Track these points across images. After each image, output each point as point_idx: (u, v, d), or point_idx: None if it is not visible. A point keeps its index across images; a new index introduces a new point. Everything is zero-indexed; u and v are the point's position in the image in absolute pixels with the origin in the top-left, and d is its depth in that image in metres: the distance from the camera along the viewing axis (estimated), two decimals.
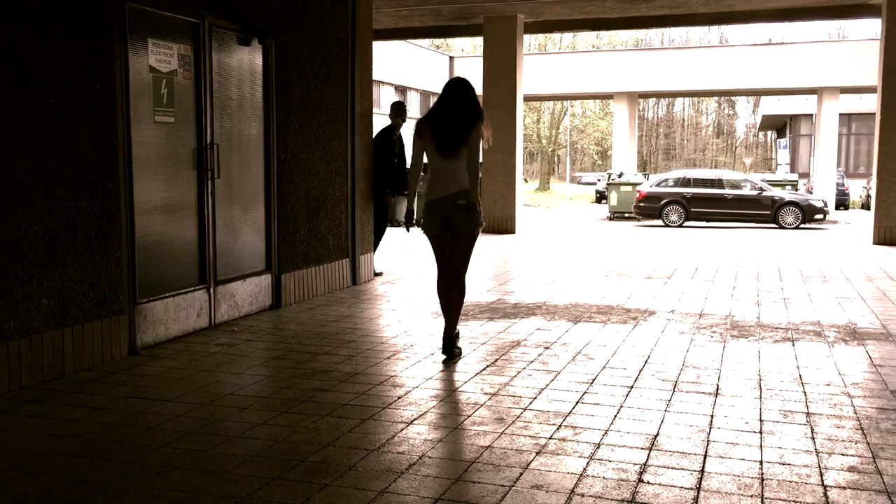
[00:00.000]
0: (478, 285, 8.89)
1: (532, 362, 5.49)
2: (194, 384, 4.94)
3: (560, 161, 66.37)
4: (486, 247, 13.40)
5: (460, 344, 5.90)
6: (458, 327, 5.98)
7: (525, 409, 4.44)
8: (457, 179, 5.56)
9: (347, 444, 3.86)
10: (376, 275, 9.52)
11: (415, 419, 4.26)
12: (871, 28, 62.65)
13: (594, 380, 5.03)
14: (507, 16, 15.68)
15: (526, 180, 57.34)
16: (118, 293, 5.54)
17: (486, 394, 4.74)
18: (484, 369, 5.31)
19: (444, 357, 5.63)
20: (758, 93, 42.80)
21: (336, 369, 5.29)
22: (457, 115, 5.62)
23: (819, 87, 30.44)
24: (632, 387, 4.87)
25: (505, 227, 15.63)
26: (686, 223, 21.45)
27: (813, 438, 3.95)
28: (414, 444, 3.88)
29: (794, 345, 6.03)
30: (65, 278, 5.11)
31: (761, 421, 4.22)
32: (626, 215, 24.55)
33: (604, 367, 5.34)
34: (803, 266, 10.78)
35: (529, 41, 50.21)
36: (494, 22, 15.85)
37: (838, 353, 5.78)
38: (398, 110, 9.86)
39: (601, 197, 38.10)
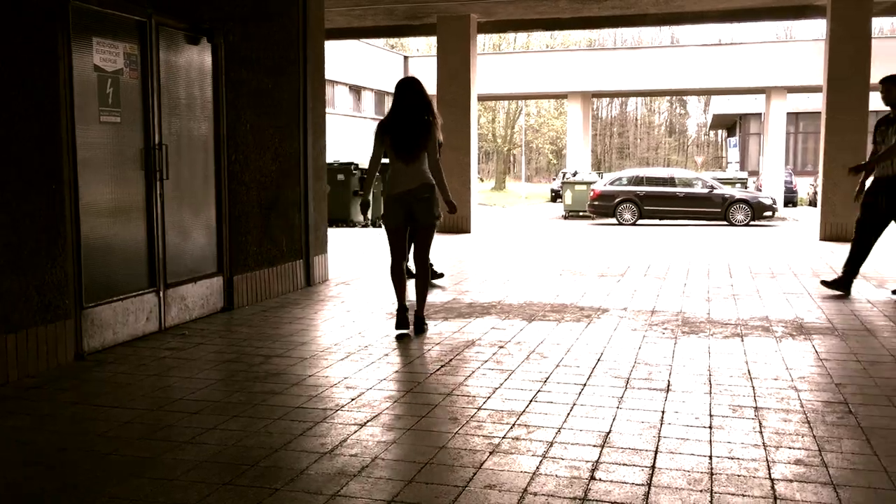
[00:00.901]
0: (432, 285, 8.88)
1: (486, 362, 5.49)
2: (143, 389, 4.85)
3: (515, 160, 66.69)
4: (441, 246, 13.40)
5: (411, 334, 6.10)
6: (415, 310, 6.49)
7: (479, 408, 4.44)
8: (419, 175, 6.11)
9: (299, 448, 3.82)
10: (439, 275, 9.32)
11: (368, 421, 4.23)
12: (817, 29, 64.09)
13: (548, 378, 5.05)
14: (460, 15, 15.71)
15: (482, 179, 57.55)
16: (64, 297, 5.42)
17: (440, 394, 4.73)
18: (439, 369, 5.31)
19: (415, 334, 6.31)
20: (708, 92, 43.51)
21: (289, 372, 5.24)
22: (411, 121, 6.09)
23: (767, 86, 31.07)
24: (585, 384, 4.90)
25: (460, 226, 15.64)
26: (639, 221, 21.73)
27: (761, 432, 4.02)
28: (367, 446, 3.85)
29: (742, 340, 6.13)
30: (8, 282, 4.97)
31: (711, 416, 4.28)
32: (581, 214, 24.79)
33: (557, 366, 5.36)
34: (752, 263, 10.97)
35: (484, 41, 50.39)
36: (447, 21, 15.87)
37: (786, 347, 5.88)
38: None
39: (556, 196, 38.40)
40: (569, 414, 4.32)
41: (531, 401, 4.57)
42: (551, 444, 3.87)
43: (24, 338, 5.09)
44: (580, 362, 5.46)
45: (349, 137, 31.78)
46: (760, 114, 36.67)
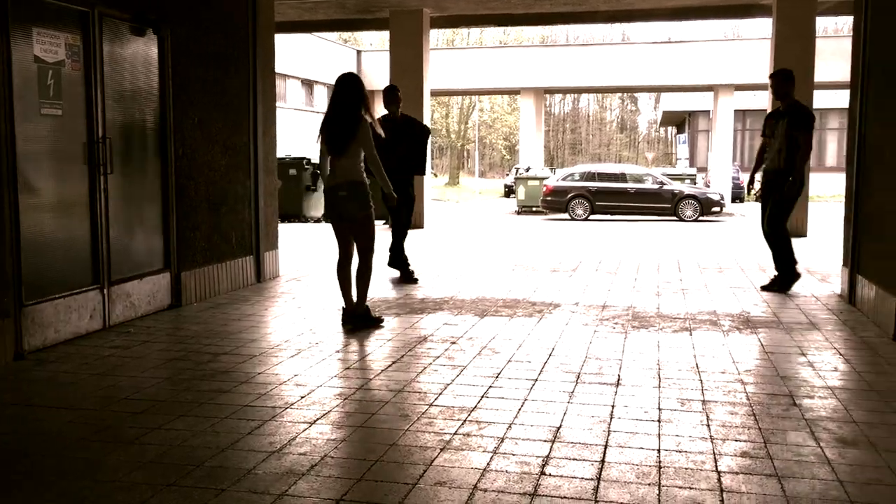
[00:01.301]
0: (384, 281, 8.84)
1: (438, 357, 5.47)
2: (86, 389, 4.73)
3: (469, 156, 66.81)
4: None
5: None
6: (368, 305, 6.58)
7: (430, 405, 4.42)
8: (346, 171, 6.19)
9: (247, 447, 3.75)
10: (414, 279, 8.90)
11: (318, 419, 4.18)
12: (763, 28, 65.34)
13: (499, 374, 5.05)
14: (413, 10, 15.65)
15: (436, 175, 57.50)
16: (2, 295, 5.26)
17: (391, 391, 4.70)
18: (390, 366, 5.27)
19: (350, 327, 6.36)
20: (658, 89, 44.12)
21: (237, 370, 5.16)
22: (340, 117, 6.17)
23: (715, 84, 31.55)
24: (536, 379, 4.92)
25: (413, 221, 15.59)
26: (591, 216, 21.93)
27: (708, 426, 4.06)
28: (316, 444, 3.81)
29: (691, 334, 6.21)
30: None
31: (660, 410, 4.32)
32: (534, 209, 24.92)
33: (509, 361, 5.37)
34: (701, 258, 11.14)
35: (437, 36, 50.34)
36: (400, 16, 15.80)
37: (732, 341, 5.97)
38: (389, 96, 8.87)
39: (510, 191, 38.55)
40: (520, 409, 4.33)
41: (482, 396, 4.56)
42: (502, 439, 3.86)
43: None
44: (532, 357, 5.47)
45: (301, 132, 31.49)
46: (709, 111, 37.25)
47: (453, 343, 5.91)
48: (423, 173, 9.16)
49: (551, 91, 40.65)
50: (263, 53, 8.79)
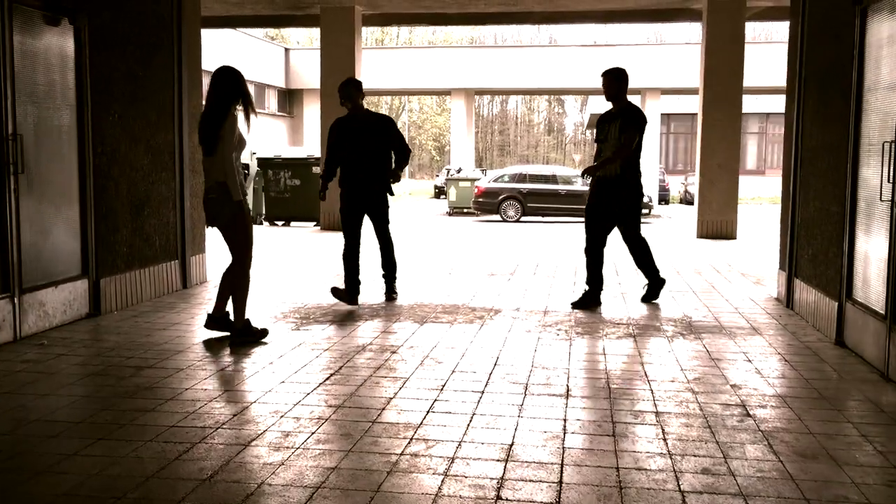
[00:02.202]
0: (318, 287, 8.51)
1: (379, 369, 5.21)
2: None
3: None
4: (323, 245, 13.01)
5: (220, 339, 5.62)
6: (231, 310, 6.09)
7: (373, 421, 4.15)
8: (210, 172, 5.76)
9: (174, 475, 3.42)
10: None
11: (252, 440, 3.87)
12: (687, 33, 66.77)
13: (444, 385, 4.81)
14: (345, 7, 15.29)
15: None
16: None
17: (330, 406, 4.41)
18: (328, 378, 4.98)
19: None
20: (586, 92, 44.54)
21: (162, 385, 4.79)
22: (209, 113, 5.72)
23: (642, 87, 31.96)
24: (483, 391, 4.69)
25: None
26: (523, 218, 21.93)
27: (665, 440, 3.91)
28: (251, 469, 3.50)
29: (635, 340, 6.09)
30: None
31: (613, 423, 4.15)
32: (466, 210, 24.83)
33: (453, 371, 5.14)
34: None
35: (366, 35, 49.86)
36: (331, 13, 15.42)
37: (678, 347, 5.87)
38: (345, 91, 7.55)
39: (440, 192, 38.39)
40: (469, 425, 4.10)
41: (428, 411, 4.32)
42: (453, 459, 3.62)
43: None
44: (476, 367, 5.25)
45: None
46: None
47: (394, 353, 5.65)
48: (406, 163, 7.85)
49: (481, 92, 40.66)
50: (189, 47, 8.37)
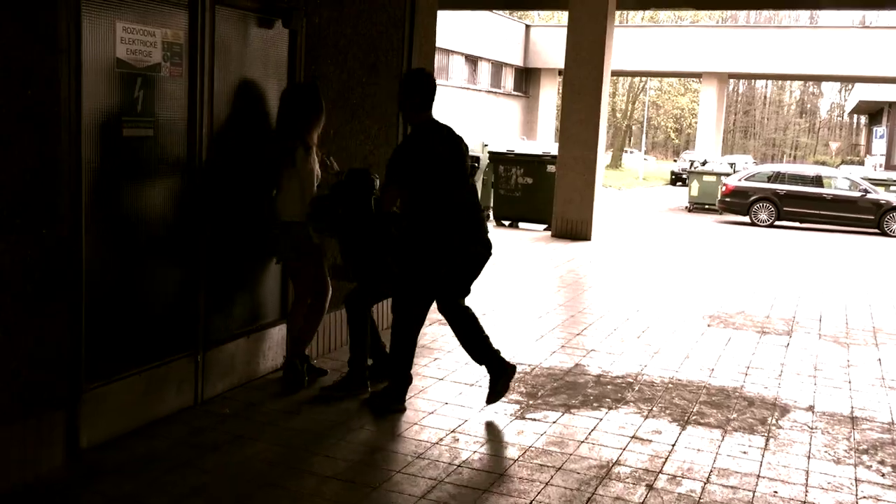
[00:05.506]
0: (549, 332, 7.12)
1: None
2: None
3: (633, 136, 63.66)
4: (553, 260, 11.61)
5: None
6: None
7: None
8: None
9: None
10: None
11: None
12: None
13: None
14: None
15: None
16: None
17: None
18: None
19: None
20: (851, 80, 39.65)
21: None
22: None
23: None
24: None
25: (581, 232, 13.69)
26: (776, 223, 19.59)
27: None
28: None
29: None
30: None
31: None
32: (707, 207, 22.66)
33: None
34: None
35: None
36: None
37: None
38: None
39: (676, 179, 35.77)
40: None
41: None
42: None
43: None
44: None
45: (463, 112, 30.02)
46: None
47: (650, 488, 4.15)
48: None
49: (735, 76, 37.26)
50: (421, 46, 7.23)
